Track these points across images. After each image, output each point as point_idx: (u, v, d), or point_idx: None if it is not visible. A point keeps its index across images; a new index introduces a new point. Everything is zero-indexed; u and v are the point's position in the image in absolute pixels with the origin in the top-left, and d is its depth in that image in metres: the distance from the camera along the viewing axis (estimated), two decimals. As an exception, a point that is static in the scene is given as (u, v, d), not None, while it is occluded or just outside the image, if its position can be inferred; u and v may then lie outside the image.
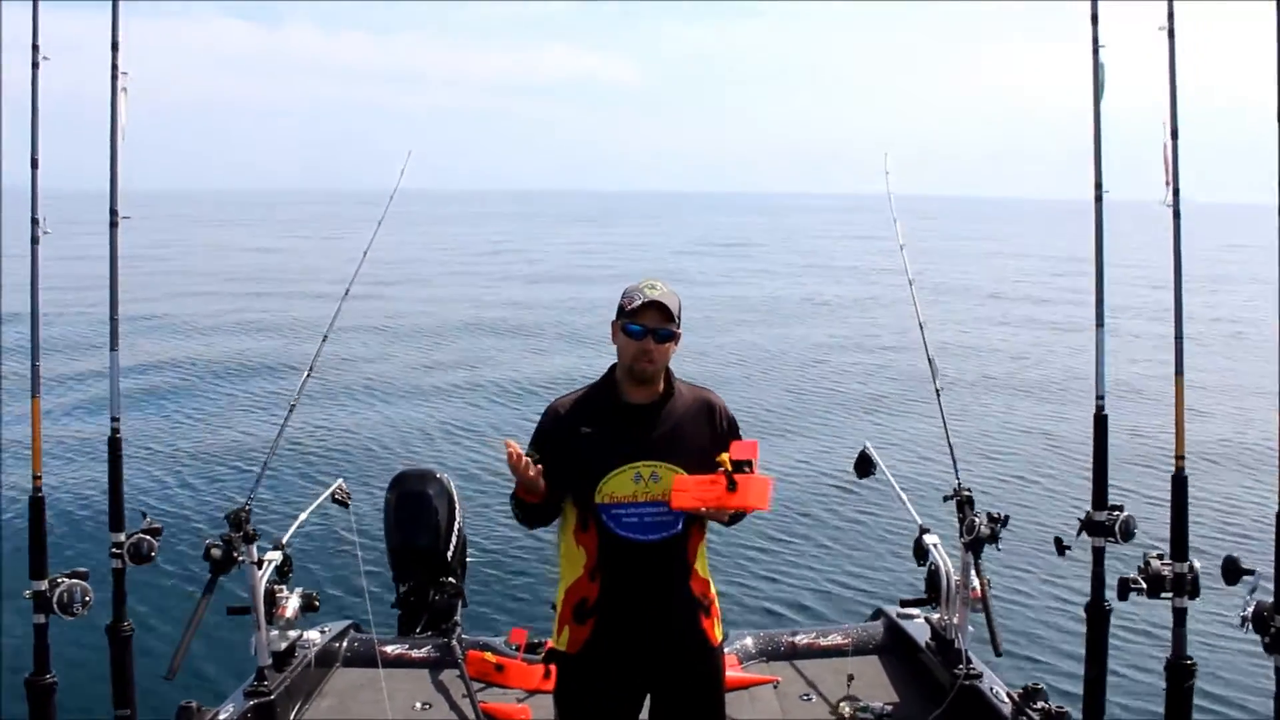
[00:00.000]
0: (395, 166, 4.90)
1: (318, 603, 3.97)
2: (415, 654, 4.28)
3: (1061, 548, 3.49)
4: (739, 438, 2.81)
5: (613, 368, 2.81)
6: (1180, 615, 3.20)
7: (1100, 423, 3.49)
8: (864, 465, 4.46)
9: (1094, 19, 3.42)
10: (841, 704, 3.80)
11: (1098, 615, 3.42)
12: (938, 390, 4.24)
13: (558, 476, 2.68)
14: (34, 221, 3.23)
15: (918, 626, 4.25)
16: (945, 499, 3.92)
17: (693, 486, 2.65)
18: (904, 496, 4.37)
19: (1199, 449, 10.38)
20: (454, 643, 4.24)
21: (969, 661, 3.76)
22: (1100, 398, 3.49)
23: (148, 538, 3.37)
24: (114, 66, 3.35)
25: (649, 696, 2.78)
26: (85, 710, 3.99)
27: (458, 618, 4.50)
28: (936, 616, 4.06)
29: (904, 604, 4.36)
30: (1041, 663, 6.33)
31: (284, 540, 3.90)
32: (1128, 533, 3.37)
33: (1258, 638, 2.78)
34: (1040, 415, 13.69)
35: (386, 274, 28.58)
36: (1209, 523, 8.65)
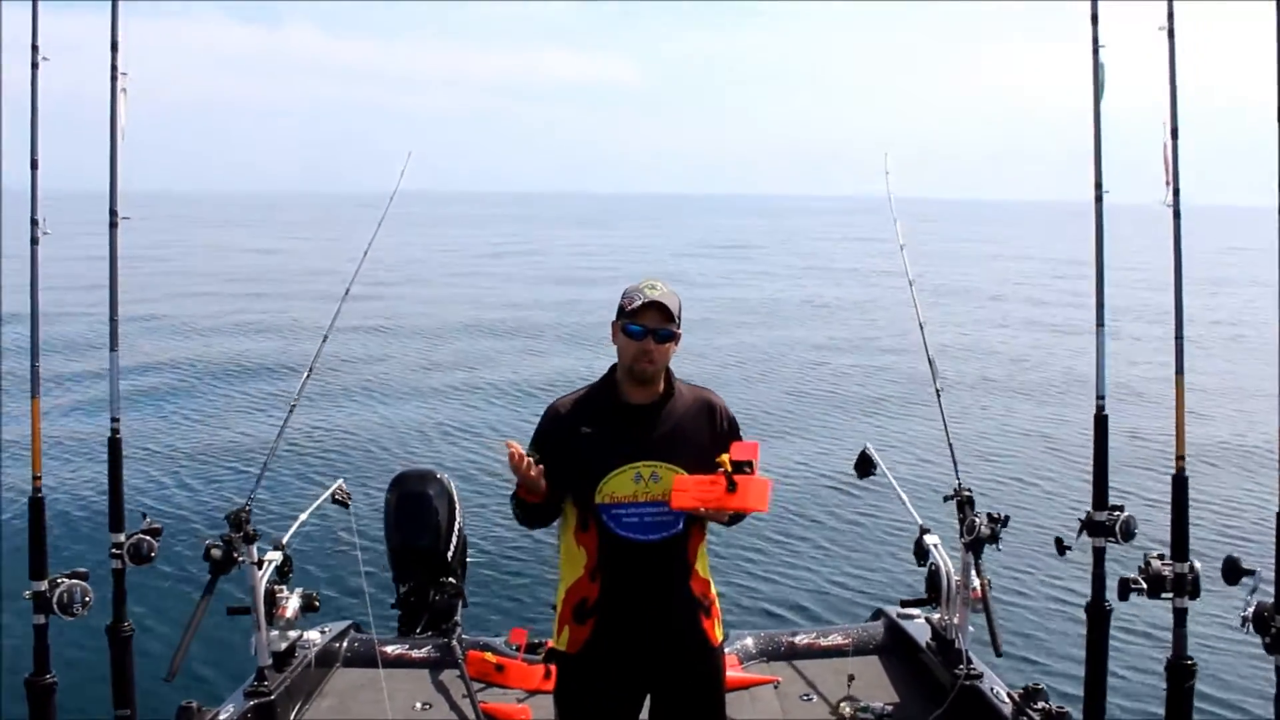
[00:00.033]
0: (395, 167, 4.92)
1: (318, 603, 3.96)
2: (415, 654, 4.27)
3: (1062, 548, 3.48)
4: (739, 438, 2.81)
5: (613, 368, 2.81)
6: (1180, 615, 3.20)
7: (1101, 423, 3.49)
8: (864, 466, 4.45)
9: (1094, 19, 3.42)
10: (842, 704, 3.80)
11: (1098, 615, 3.42)
12: (938, 391, 4.24)
13: (558, 476, 2.68)
14: (34, 222, 3.23)
15: (918, 627, 4.25)
16: (945, 499, 3.92)
17: (693, 487, 2.65)
18: (904, 497, 4.37)
19: (1199, 450, 10.38)
20: (454, 643, 4.24)
21: (969, 662, 3.75)
22: (1101, 398, 3.50)
23: (147, 538, 3.37)
24: (113, 67, 3.35)
25: (649, 696, 2.78)
26: (85, 710, 3.99)
27: (458, 618, 4.49)
28: (937, 617, 4.06)
29: (904, 604, 4.36)
30: (1042, 663, 6.33)
31: (284, 540, 3.89)
32: (1128, 533, 3.38)
33: (1258, 638, 2.78)
34: (1040, 416, 13.70)
35: (386, 275, 28.58)
36: (1209, 523, 8.64)
